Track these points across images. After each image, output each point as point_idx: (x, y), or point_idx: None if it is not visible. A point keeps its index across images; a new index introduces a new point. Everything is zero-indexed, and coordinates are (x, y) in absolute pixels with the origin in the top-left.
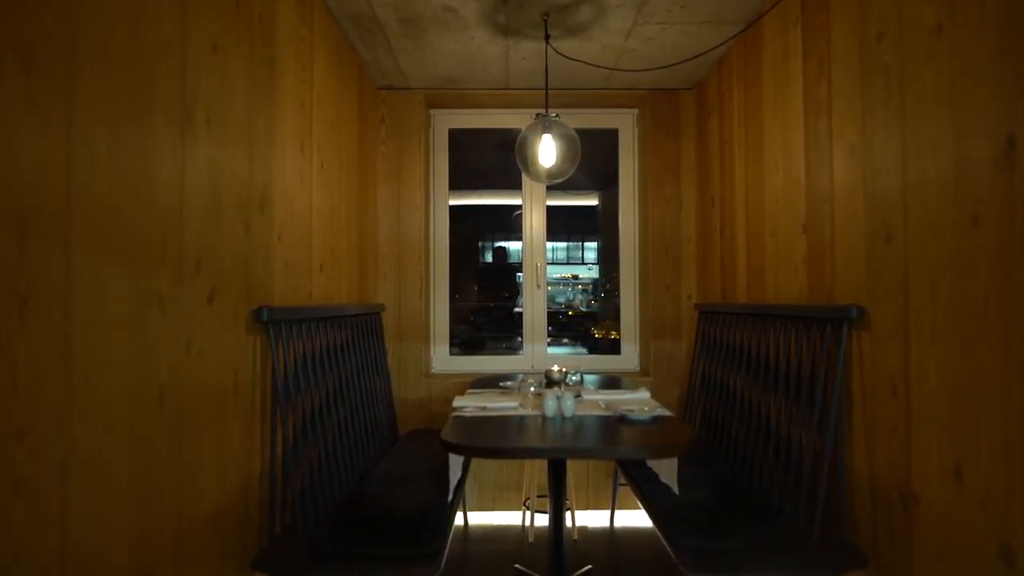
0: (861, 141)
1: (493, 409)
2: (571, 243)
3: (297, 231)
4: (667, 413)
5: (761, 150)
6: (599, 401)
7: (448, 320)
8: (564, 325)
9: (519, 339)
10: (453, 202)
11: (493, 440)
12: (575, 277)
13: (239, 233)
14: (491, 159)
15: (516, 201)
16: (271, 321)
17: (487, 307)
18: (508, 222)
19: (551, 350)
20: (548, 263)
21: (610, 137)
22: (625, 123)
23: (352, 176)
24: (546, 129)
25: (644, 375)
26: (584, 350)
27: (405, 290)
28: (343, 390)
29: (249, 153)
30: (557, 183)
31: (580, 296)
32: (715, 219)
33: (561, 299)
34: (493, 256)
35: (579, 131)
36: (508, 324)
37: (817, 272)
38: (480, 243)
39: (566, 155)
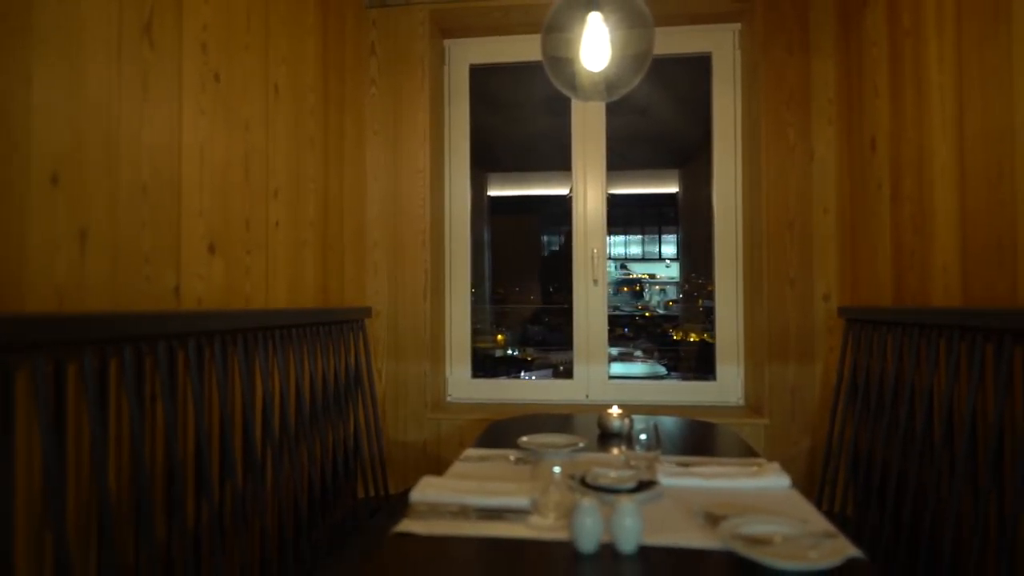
0: None
1: (478, 512)
2: (646, 236)
3: (129, 179)
4: (851, 552)
5: (999, 34)
6: (690, 496)
7: (469, 331)
8: (640, 327)
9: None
10: (509, 192)
11: None
12: (652, 277)
13: None
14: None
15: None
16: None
17: (546, 311)
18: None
19: (616, 367)
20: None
21: (695, 78)
22: (722, 43)
23: (309, 117)
24: (593, 3)
25: (754, 414)
26: (661, 368)
27: (405, 289)
28: (265, 442)
29: None
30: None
31: (657, 298)
32: (878, 170)
33: (637, 302)
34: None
35: (655, 63)
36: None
37: None
38: (544, 238)
39: (628, 47)
